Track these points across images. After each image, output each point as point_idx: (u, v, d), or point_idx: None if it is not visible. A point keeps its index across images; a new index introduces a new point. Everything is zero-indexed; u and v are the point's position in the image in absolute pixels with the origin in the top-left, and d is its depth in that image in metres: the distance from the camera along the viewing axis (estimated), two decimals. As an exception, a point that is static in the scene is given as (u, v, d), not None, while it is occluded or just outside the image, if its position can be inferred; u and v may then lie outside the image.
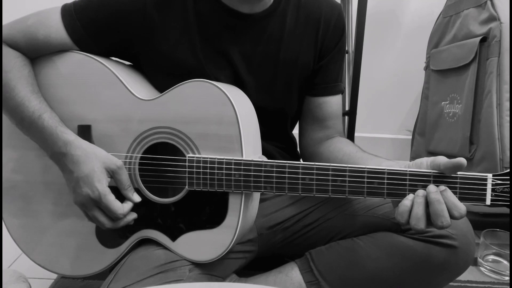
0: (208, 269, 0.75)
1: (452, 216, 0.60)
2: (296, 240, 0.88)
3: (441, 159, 0.62)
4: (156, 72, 0.81)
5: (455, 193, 0.62)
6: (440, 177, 0.62)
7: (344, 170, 0.65)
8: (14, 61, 0.74)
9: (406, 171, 0.63)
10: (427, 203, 0.61)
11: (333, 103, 0.89)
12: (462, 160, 0.59)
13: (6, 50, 0.75)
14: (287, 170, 0.67)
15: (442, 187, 0.61)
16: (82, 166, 0.68)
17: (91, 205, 0.69)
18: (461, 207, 0.60)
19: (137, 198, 0.72)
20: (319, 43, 0.84)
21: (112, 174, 0.70)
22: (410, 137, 1.76)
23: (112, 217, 0.70)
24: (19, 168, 0.80)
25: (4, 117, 0.79)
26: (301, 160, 0.97)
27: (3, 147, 0.80)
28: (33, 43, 0.76)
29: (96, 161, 0.69)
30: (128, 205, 0.71)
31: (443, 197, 0.60)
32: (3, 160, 0.80)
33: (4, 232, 0.81)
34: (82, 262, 0.79)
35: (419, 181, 0.63)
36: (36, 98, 0.72)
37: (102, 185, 0.68)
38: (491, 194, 0.61)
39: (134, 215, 0.72)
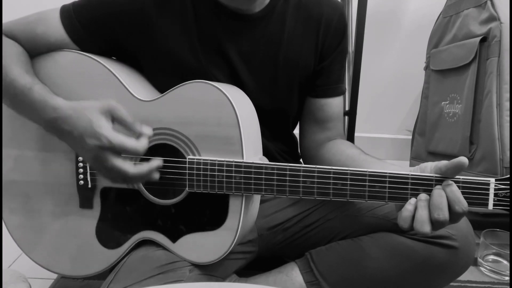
0: (208, 270, 0.75)
1: (453, 211, 0.59)
2: (297, 241, 0.88)
3: (442, 163, 0.61)
4: (155, 72, 0.81)
5: None
6: (442, 182, 0.62)
7: (346, 174, 0.65)
8: (11, 48, 0.74)
9: (408, 175, 0.63)
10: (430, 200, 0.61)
11: (335, 105, 0.89)
12: (463, 159, 0.58)
13: (4, 40, 0.75)
14: (288, 173, 0.67)
15: (449, 181, 0.60)
16: (77, 122, 0.64)
17: (106, 155, 0.63)
18: (464, 203, 0.59)
19: (148, 129, 0.66)
20: (320, 44, 0.84)
21: (110, 113, 0.65)
22: (410, 137, 1.76)
23: (134, 155, 0.65)
24: (19, 167, 0.80)
25: (4, 117, 0.78)
26: (301, 161, 0.97)
27: (3, 147, 0.80)
28: (31, 39, 0.76)
29: (88, 111, 0.64)
30: (144, 140, 0.65)
31: (448, 190, 0.60)
32: (4, 159, 0.80)
33: (4, 232, 0.81)
34: (82, 262, 0.79)
35: (421, 185, 0.63)
36: (28, 75, 0.71)
37: (105, 129, 0.63)
38: (494, 198, 0.61)
39: (158, 162, 0.67)
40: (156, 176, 0.67)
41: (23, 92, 0.69)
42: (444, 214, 0.59)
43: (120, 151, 0.63)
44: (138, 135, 0.65)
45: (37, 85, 0.70)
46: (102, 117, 0.64)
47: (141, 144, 0.64)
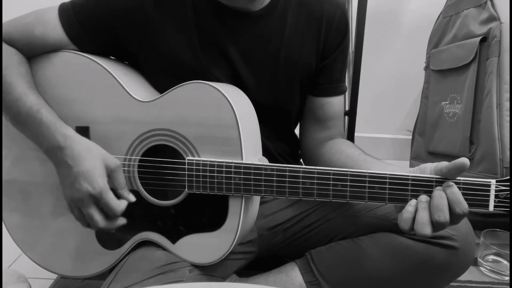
0: (208, 270, 0.75)
1: (454, 213, 0.59)
2: (297, 241, 0.88)
3: (443, 164, 0.61)
4: (155, 72, 0.80)
5: None
6: (443, 183, 0.61)
7: (346, 175, 0.64)
8: (11, 58, 0.74)
9: (408, 176, 0.63)
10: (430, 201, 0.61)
11: (336, 104, 0.88)
12: (464, 160, 0.58)
13: (3, 47, 0.75)
14: (287, 174, 0.67)
15: (450, 182, 0.60)
16: (83, 161, 0.67)
17: (88, 202, 0.67)
18: (464, 204, 0.59)
19: (132, 198, 0.72)
20: (322, 43, 0.83)
21: (110, 173, 0.69)
22: (410, 137, 1.76)
23: (110, 214, 0.69)
24: (19, 167, 0.80)
25: (4, 117, 0.78)
26: (301, 160, 0.97)
27: (3, 146, 0.80)
28: (29, 40, 0.75)
29: (96, 158, 0.68)
30: (123, 204, 0.70)
31: (448, 192, 0.59)
32: (4, 159, 0.80)
33: (4, 232, 0.81)
34: (82, 262, 0.79)
35: (421, 186, 0.62)
36: (33, 93, 0.72)
37: (103, 182, 0.67)
38: (494, 200, 0.61)
39: (124, 220, 0.72)
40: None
41: (28, 113, 0.70)
42: (445, 216, 0.59)
43: (101, 204, 0.68)
44: (123, 198, 0.71)
45: (44, 108, 0.71)
46: (105, 170, 0.68)
47: (120, 207, 0.69)
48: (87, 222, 0.70)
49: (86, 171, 0.66)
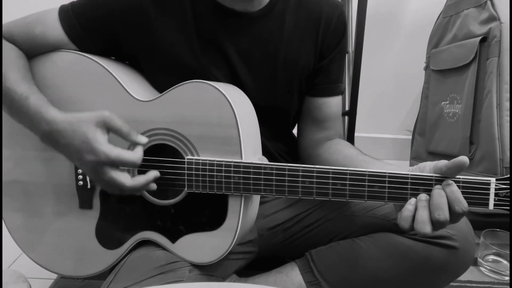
0: (208, 270, 0.75)
1: (453, 211, 0.59)
2: (297, 241, 0.88)
3: (442, 163, 0.61)
4: (154, 71, 0.81)
5: None
6: (442, 181, 0.61)
7: (345, 174, 0.64)
8: (9, 52, 0.74)
9: (408, 175, 0.63)
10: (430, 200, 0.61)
11: (333, 104, 0.88)
12: (463, 158, 0.58)
13: (4, 43, 0.75)
14: (287, 173, 0.66)
15: (450, 181, 0.60)
16: (73, 136, 0.65)
17: (103, 169, 0.64)
18: (464, 203, 0.59)
19: (144, 139, 0.68)
20: (320, 43, 0.83)
21: (106, 125, 0.66)
22: (410, 137, 1.76)
23: (131, 167, 0.66)
24: (20, 168, 0.80)
25: (4, 117, 0.79)
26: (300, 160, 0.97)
27: (3, 146, 0.80)
28: (30, 39, 0.76)
29: (83, 125, 0.65)
30: (139, 150, 0.67)
31: (448, 190, 0.59)
32: (4, 159, 0.80)
33: (4, 232, 0.81)
34: (82, 262, 0.79)
35: (421, 184, 0.62)
36: (26, 82, 0.71)
37: (102, 144, 0.64)
38: (494, 198, 0.60)
39: (155, 173, 0.69)
40: (153, 186, 0.69)
41: (19, 101, 0.69)
42: (444, 214, 0.59)
43: (117, 164, 0.65)
44: (133, 145, 0.67)
45: (33, 95, 0.70)
46: (98, 130, 0.65)
47: (137, 155, 0.66)
48: (116, 188, 0.67)
49: (81, 143, 0.64)
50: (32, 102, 0.69)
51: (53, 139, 0.68)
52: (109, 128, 0.66)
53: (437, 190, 0.60)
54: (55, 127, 0.67)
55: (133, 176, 0.68)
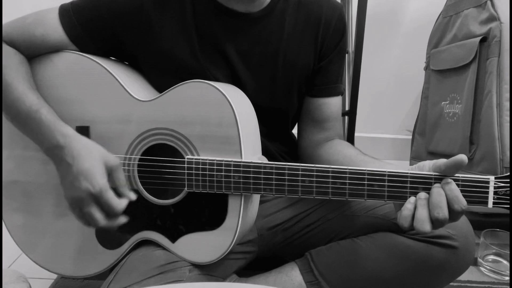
0: (208, 270, 0.75)
1: (452, 209, 0.59)
2: (297, 241, 0.88)
3: (441, 161, 0.61)
4: (154, 72, 0.81)
5: None
6: (441, 180, 0.62)
7: (344, 172, 0.65)
8: (11, 58, 0.74)
9: (407, 173, 0.63)
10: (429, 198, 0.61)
11: (333, 105, 0.89)
12: (462, 157, 0.58)
13: (4, 47, 0.75)
14: (286, 172, 0.67)
15: (448, 180, 0.60)
16: (82, 160, 0.66)
17: (89, 201, 0.66)
18: (463, 201, 0.59)
19: (133, 196, 0.71)
20: (319, 44, 0.84)
21: (110, 171, 0.69)
22: (410, 137, 1.76)
23: (110, 213, 0.68)
24: (20, 168, 0.80)
25: (4, 117, 0.79)
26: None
27: (3, 147, 0.80)
28: (30, 41, 0.76)
29: (96, 156, 0.67)
30: (124, 202, 0.69)
31: (447, 189, 0.60)
32: (4, 159, 0.80)
33: (4, 232, 0.81)
34: (82, 262, 0.79)
35: (420, 183, 0.62)
36: (33, 93, 0.72)
37: (103, 180, 0.66)
38: (493, 196, 0.60)
39: (124, 219, 0.71)
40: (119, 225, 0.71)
41: (28, 113, 0.70)
42: (444, 213, 0.59)
43: (102, 203, 0.66)
44: (124, 195, 0.69)
45: (43, 108, 0.70)
46: (105, 168, 0.67)
47: (121, 206, 0.67)
48: (88, 221, 0.69)
49: (85, 170, 0.66)
50: (44, 115, 0.69)
51: (60, 154, 0.68)
52: (111, 174, 0.68)
53: (436, 189, 0.60)
54: (70, 144, 0.67)
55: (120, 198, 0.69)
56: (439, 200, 0.59)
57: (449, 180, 0.60)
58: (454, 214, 0.60)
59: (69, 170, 0.67)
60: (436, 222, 0.60)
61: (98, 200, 0.66)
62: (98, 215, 0.67)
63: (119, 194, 0.70)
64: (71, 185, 0.67)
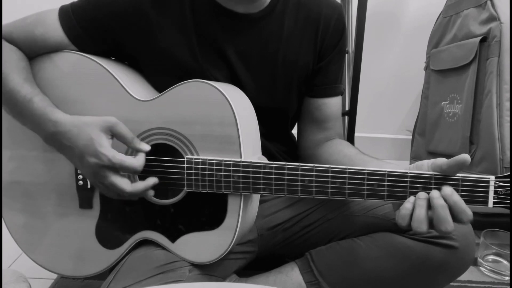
0: (208, 270, 0.75)
1: (459, 220, 0.59)
2: (296, 241, 0.88)
3: (442, 160, 0.61)
4: (154, 72, 0.81)
5: None
6: (442, 179, 0.62)
7: (344, 172, 0.65)
8: (11, 54, 0.75)
9: (407, 173, 0.63)
10: (429, 206, 0.61)
11: (333, 105, 0.89)
12: (465, 156, 0.58)
13: (4, 44, 0.76)
14: (286, 171, 0.67)
15: (449, 191, 0.60)
16: (77, 138, 0.66)
17: (104, 172, 0.66)
18: (469, 212, 0.59)
19: (146, 146, 0.69)
20: (319, 44, 0.84)
21: (110, 132, 0.67)
22: (410, 137, 1.76)
23: (132, 173, 0.67)
24: (20, 168, 0.80)
25: (4, 117, 0.79)
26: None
27: (3, 147, 0.80)
28: (30, 41, 0.76)
29: (89, 128, 0.66)
30: (141, 157, 0.68)
31: (451, 202, 0.59)
32: (5, 160, 0.80)
33: (4, 232, 0.81)
34: (82, 262, 0.79)
35: (420, 183, 0.62)
36: (28, 84, 0.72)
37: (106, 148, 0.65)
38: (494, 196, 0.60)
39: (154, 179, 0.69)
40: (151, 193, 0.70)
41: (23, 103, 0.70)
42: (451, 226, 0.59)
43: (118, 169, 0.65)
44: (136, 152, 0.68)
45: (37, 97, 0.70)
46: (103, 134, 0.66)
47: (139, 162, 0.67)
48: (116, 193, 0.68)
49: (84, 146, 0.65)
50: (36, 103, 0.69)
51: (57, 140, 0.68)
52: (113, 134, 0.68)
53: (440, 202, 0.59)
54: (60, 129, 0.67)
55: (133, 180, 0.69)
56: (445, 214, 0.59)
57: (450, 191, 0.60)
58: (459, 223, 0.60)
59: (72, 152, 0.67)
60: (443, 234, 0.61)
61: (113, 168, 0.65)
62: (122, 182, 0.66)
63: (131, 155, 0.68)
64: (81, 166, 0.67)
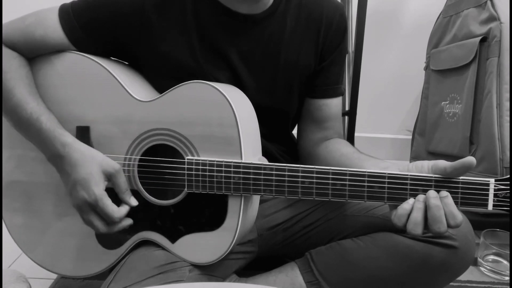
0: (208, 270, 0.75)
1: (448, 224, 0.60)
2: (297, 241, 0.88)
3: (445, 163, 0.61)
4: (155, 73, 0.81)
5: (456, 198, 0.61)
6: (442, 182, 0.62)
7: (345, 174, 0.65)
8: (12, 62, 0.74)
9: (407, 175, 0.63)
10: (427, 209, 0.61)
11: (333, 105, 0.89)
12: (471, 159, 0.59)
13: (4, 50, 0.75)
14: (286, 173, 0.67)
15: (444, 193, 0.61)
16: (79, 169, 0.68)
17: (87, 209, 0.68)
18: (458, 217, 0.60)
19: (134, 202, 0.72)
20: (320, 44, 0.83)
21: (109, 177, 0.70)
22: (410, 137, 1.76)
23: (108, 221, 0.69)
24: (21, 168, 0.80)
25: (8, 121, 0.78)
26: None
27: (3, 147, 0.80)
28: (30, 42, 0.76)
29: (93, 164, 0.68)
30: (124, 209, 0.70)
31: (442, 203, 0.60)
32: (4, 159, 0.80)
33: (4, 232, 0.81)
34: (82, 262, 0.79)
35: (420, 185, 0.62)
36: (33, 99, 0.72)
37: (99, 189, 0.67)
38: (493, 199, 0.61)
39: (129, 221, 0.72)
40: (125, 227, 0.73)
41: (28, 121, 0.70)
42: (444, 227, 0.60)
43: (100, 212, 0.68)
44: (124, 202, 0.72)
45: (43, 116, 0.71)
46: (102, 176, 0.69)
47: (120, 213, 0.69)
48: (94, 229, 0.71)
49: (82, 178, 0.67)
50: (44, 124, 0.70)
51: (60, 162, 0.70)
52: (111, 180, 0.70)
53: (436, 203, 0.60)
54: (69, 153, 0.69)
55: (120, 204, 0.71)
56: (439, 215, 0.60)
57: (445, 193, 0.61)
58: (449, 227, 0.61)
59: (68, 179, 0.69)
60: (436, 234, 0.62)
61: (95, 208, 0.68)
62: (98, 223, 0.69)
63: (120, 201, 0.71)
64: (70, 193, 0.69)
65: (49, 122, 0.70)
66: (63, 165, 0.69)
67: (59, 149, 0.69)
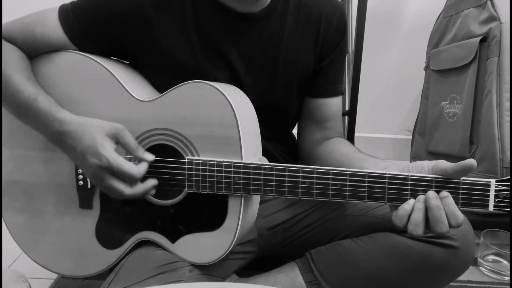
0: (208, 270, 0.75)
1: (449, 224, 0.60)
2: (297, 241, 0.88)
3: (445, 164, 0.61)
4: (155, 73, 0.81)
5: (457, 198, 0.61)
6: (442, 182, 0.62)
7: (345, 174, 0.65)
8: (11, 54, 0.75)
9: (408, 176, 0.63)
10: (427, 210, 0.61)
11: (333, 105, 0.89)
12: (472, 161, 0.59)
13: (4, 44, 0.76)
14: (287, 173, 0.67)
15: (445, 193, 0.61)
16: (82, 138, 0.66)
17: (104, 175, 0.66)
18: (459, 217, 0.60)
19: (150, 156, 0.69)
20: (320, 44, 0.83)
21: (115, 139, 0.68)
22: (410, 137, 1.76)
23: (128, 181, 0.67)
24: (21, 168, 0.80)
25: (4, 117, 0.79)
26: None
27: (3, 147, 0.80)
28: (30, 41, 0.76)
29: (94, 130, 0.67)
30: (143, 166, 0.68)
31: (443, 203, 0.60)
32: (4, 159, 0.80)
33: (4, 232, 0.81)
34: (82, 262, 0.79)
35: (420, 186, 0.62)
36: (31, 83, 0.72)
37: (107, 151, 0.65)
38: (494, 200, 0.61)
39: (154, 181, 0.70)
40: (152, 193, 0.71)
41: (27, 103, 0.70)
42: (446, 226, 0.60)
43: (116, 174, 0.66)
44: (139, 160, 0.68)
45: (41, 96, 0.70)
46: (107, 138, 0.67)
47: (140, 170, 0.67)
48: (116, 195, 0.68)
49: (88, 146, 0.66)
50: (41, 103, 0.69)
51: (62, 139, 0.69)
52: (118, 140, 0.68)
53: (436, 203, 0.60)
54: (66, 128, 0.68)
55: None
56: (440, 215, 0.60)
57: (446, 193, 0.61)
58: (451, 227, 0.61)
59: (75, 152, 0.68)
60: (438, 235, 0.62)
61: (112, 171, 0.66)
62: (120, 186, 0.67)
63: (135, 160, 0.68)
64: (83, 166, 0.68)
65: (45, 101, 0.70)
66: (66, 141, 0.68)
67: (57, 126, 0.68)
